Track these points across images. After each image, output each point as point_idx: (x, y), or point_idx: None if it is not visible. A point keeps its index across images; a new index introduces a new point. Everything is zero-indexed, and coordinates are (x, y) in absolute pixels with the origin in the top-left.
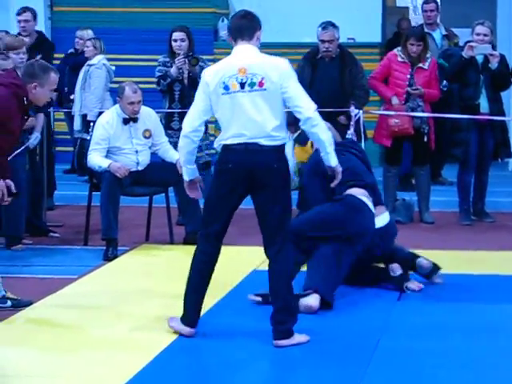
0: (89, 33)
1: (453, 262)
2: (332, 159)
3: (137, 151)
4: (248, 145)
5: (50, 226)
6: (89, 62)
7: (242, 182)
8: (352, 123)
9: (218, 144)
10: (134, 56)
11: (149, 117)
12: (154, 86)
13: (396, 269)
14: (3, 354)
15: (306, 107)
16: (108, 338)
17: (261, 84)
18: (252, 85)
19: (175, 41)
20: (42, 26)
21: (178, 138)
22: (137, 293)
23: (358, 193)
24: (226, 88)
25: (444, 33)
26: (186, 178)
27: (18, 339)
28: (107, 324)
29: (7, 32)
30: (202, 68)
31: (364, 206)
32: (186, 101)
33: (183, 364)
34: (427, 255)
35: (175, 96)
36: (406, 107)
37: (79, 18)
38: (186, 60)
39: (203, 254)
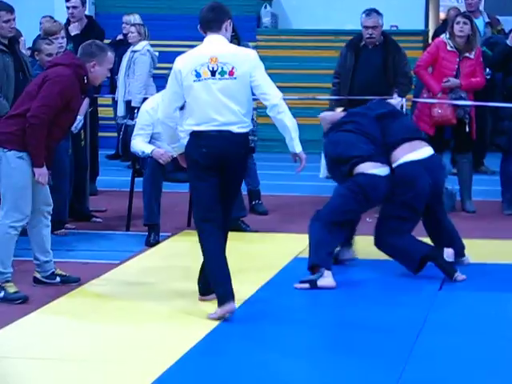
0: (136, 18)
1: (495, 251)
2: (296, 146)
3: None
4: (221, 131)
5: (93, 211)
6: (133, 48)
7: (215, 165)
8: None
9: (184, 130)
10: (177, 42)
11: None
12: None
13: (450, 255)
14: (48, 339)
15: (273, 95)
16: (156, 318)
17: (231, 73)
18: (223, 73)
19: None
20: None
21: None
22: (178, 278)
23: (366, 168)
24: (198, 75)
25: (487, 20)
26: (174, 154)
27: (62, 324)
28: (151, 307)
29: (51, 17)
30: None
31: (375, 179)
32: None
33: (230, 347)
34: (469, 245)
35: None
36: (449, 97)
37: (123, 4)
38: None
39: (212, 236)
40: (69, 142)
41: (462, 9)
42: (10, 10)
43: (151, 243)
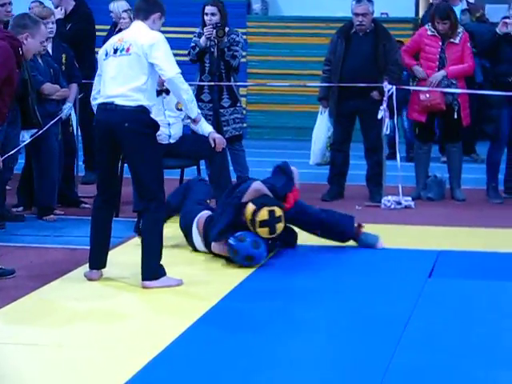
0: (121, 4)
1: (483, 239)
2: (191, 113)
3: (169, 124)
4: (106, 104)
5: (82, 197)
6: None
7: (106, 140)
8: (385, 99)
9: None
10: (169, 28)
11: None
12: (187, 58)
13: None
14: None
15: (168, 70)
16: (144, 304)
17: (128, 50)
18: (122, 50)
19: (206, 14)
20: None
21: (209, 109)
22: (166, 263)
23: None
24: (106, 55)
25: (464, 7)
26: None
27: (48, 309)
28: (139, 293)
29: (41, 3)
30: (234, 40)
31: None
32: (216, 72)
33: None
34: (458, 232)
35: (205, 68)
36: (439, 84)
37: None
38: (214, 31)
39: (96, 221)
40: (58, 127)
41: None
42: None
43: (140, 230)
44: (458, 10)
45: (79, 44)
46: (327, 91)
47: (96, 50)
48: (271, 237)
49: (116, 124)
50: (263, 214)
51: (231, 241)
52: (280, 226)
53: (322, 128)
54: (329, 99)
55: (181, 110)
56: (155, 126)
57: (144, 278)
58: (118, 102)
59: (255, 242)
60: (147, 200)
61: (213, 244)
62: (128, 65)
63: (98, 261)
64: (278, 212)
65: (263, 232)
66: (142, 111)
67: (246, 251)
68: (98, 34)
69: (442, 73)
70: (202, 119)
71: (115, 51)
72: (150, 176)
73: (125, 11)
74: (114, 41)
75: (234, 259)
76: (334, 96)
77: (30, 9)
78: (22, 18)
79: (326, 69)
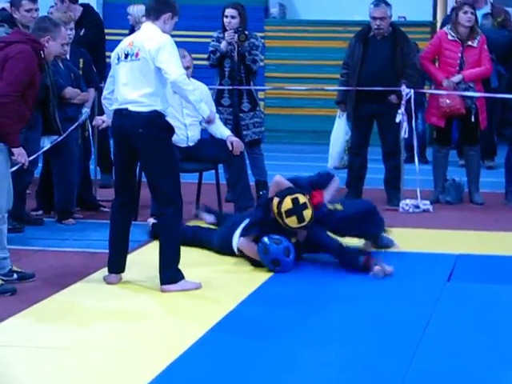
0: (140, 8)
1: (502, 243)
2: (203, 112)
3: (186, 125)
4: (121, 110)
5: (101, 200)
6: None
7: (122, 145)
8: (403, 102)
9: None
10: (186, 32)
11: (201, 90)
12: (205, 62)
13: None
14: (48, 329)
15: (172, 73)
16: (161, 309)
17: (137, 55)
18: (132, 55)
19: (226, 17)
20: (93, 0)
21: (229, 114)
22: (185, 266)
23: None
24: (118, 59)
25: (487, 11)
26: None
27: (68, 313)
28: (157, 297)
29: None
30: (254, 44)
31: None
32: (236, 77)
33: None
34: (476, 236)
35: (225, 72)
36: (458, 88)
37: None
38: (236, 35)
39: (114, 225)
40: (78, 132)
41: None
42: None
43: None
44: (479, 14)
45: (94, 49)
46: (345, 95)
47: (108, 54)
48: (302, 225)
49: (130, 129)
50: (287, 203)
51: (266, 239)
52: (308, 213)
53: (340, 132)
54: (347, 103)
55: None
56: (170, 129)
57: (162, 282)
58: (132, 108)
59: (288, 248)
60: (163, 204)
61: (241, 239)
62: (138, 70)
63: (116, 265)
64: (302, 199)
65: (292, 222)
66: (156, 116)
67: (277, 254)
68: (114, 38)
69: (459, 76)
70: (219, 122)
71: (126, 56)
72: (166, 181)
73: (144, 16)
74: (124, 44)
75: (261, 258)
76: (351, 100)
77: (49, 13)
78: (42, 20)
79: (344, 72)
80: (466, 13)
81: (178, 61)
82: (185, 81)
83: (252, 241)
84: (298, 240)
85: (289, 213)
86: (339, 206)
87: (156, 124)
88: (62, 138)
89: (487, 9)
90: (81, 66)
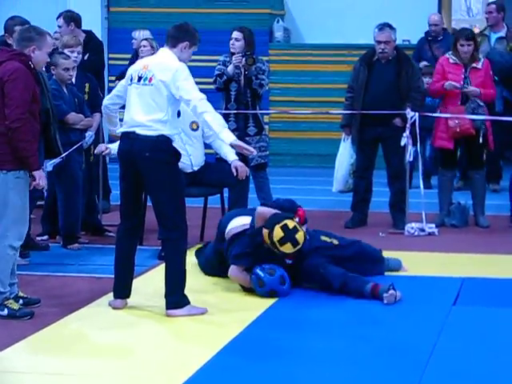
0: (145, 33)
1: (508, 266)
2: (225, 138)
3: (188, 153)
4: (129, 133)
5: (106, 225)
6: None
7: (128, 169)
8: (408, 126)
9: None
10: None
11: None
12: (211, 86)
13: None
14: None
15: (193, 98)
16: (169, 333)
17: (150, 80)
18: (145, 79)
19: (231, 39)
20: (98, 26)
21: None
22: (190, 292)
23: None
24: (131, 80)
25: (501, 35)
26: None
27: (74, 339)
28: (163, 322)
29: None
30: (261, 69)
31: None
32: (243, 101)
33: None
34: (482, 259)
35: (231, 96)
36: (466, 107)
37: (136, 19)
38: (243, 59)
39: (120, 250)
40: (82, 156)
41: (473, 23)
42: (67, 57)
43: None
44: (494, 37)
45: (96, 74)
46: (350, 118)
47: (111, 78)
48: (298, 248)
49: (137, 153)
50: (277, 232)
51: (260, 272)
52: (300, 235)
53: (345, 155)
54: (351, 126)
55: (195, 129)
56: (177, 154)
57: (168, 307)
58: (139, 131)
59: (282, 277)
60: (168, 229)
61: (232, 267)
62: (150, 95)
63: (122, 290)
64: (291, 223)
65: (287, 248)
66: (164, 140)
67: (273, 285)
68: (117, 62)
69: (477, 90)
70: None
71: (139, 79)
72: (172, 205)
73: (145, 39)
74: (139, 66)
75: (256, 290)
76: (356, 123)
77: (55, 35)
78: (27, 30)
79: (349, 96)
80: (462, 46)
81: (194, 85)
82: (205, 105)
83: (244, 270)
84: (291, 258)
85: (282, 241)
86: (335, 241)
87: (163, 148)
88: (62, 160)
89: (503, 32)
90: (86, 90)
